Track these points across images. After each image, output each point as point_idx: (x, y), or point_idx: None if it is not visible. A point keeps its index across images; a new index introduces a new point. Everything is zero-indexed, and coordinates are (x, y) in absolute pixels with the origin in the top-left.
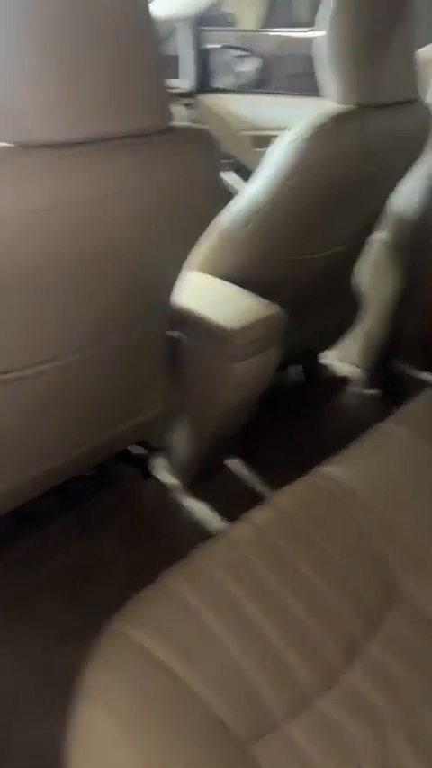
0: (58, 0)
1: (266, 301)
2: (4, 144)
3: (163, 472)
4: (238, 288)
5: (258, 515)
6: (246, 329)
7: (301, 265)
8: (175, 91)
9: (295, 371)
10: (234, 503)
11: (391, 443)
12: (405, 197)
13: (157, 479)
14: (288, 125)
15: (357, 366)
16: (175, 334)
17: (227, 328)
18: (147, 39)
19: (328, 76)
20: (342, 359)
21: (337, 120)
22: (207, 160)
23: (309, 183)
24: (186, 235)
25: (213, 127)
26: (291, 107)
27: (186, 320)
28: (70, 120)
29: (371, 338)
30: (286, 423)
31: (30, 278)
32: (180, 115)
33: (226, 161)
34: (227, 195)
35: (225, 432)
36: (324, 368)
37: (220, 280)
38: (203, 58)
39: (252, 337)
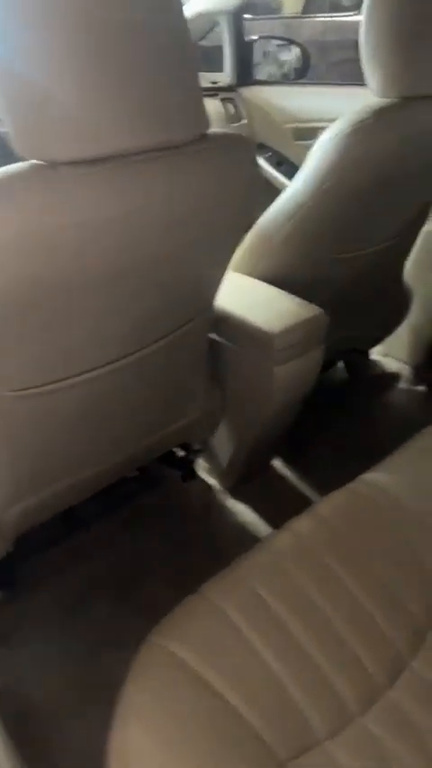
0: (82, 12)
1: (308, 303)
2: (32, 161)
3: (205, 474)
4: (277, 289)
5: (300, 525)
6: (287, 332)
7: (345, 264)
8: (214, 85)
9: (339, 368)
10: (277, 505)
11: None
12: None
13: (199, 481)
14: (331, 116)
15: (404, 362)
16: (214, 336)
17: (267, 331)
18: (178, 45)
19: (368, 68)
20: (388, 355)
21: (378, 116)
22: (243, 167)
23: (349, 181)
24: (225, 240)
25: (254, 120)
26: (334, 98)
27: (225, 322)
28: (98, 135)
29: (418, 333)
30: (331, 422)
31: (59, 293)
32: (216, 110)
33: (267, 154)
34: (267, 191)
35: (268, 434)
36: (369, 364)
37: (259, 281)
38: (245, 50)
39: (293, 340)
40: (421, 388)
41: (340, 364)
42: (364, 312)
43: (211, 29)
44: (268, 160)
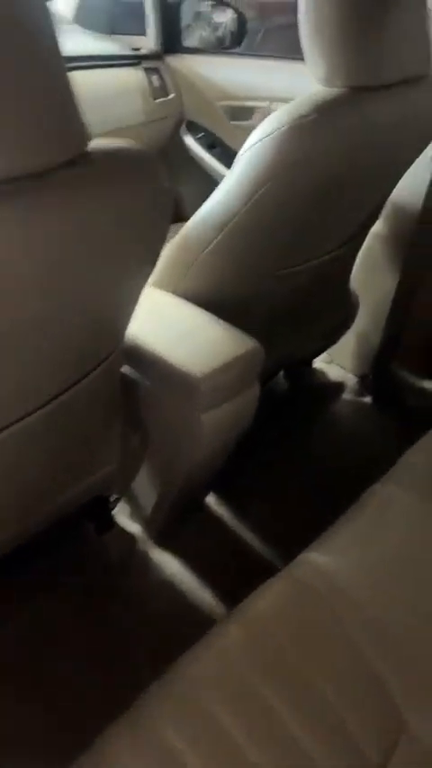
0: None
1: (241, 332)
2: None
3: (127, 521)
4: (204, 313)
5: (226, 636)
6: (215, 374)
7: (285, 279)
8: (136, 52)
9: (279, 377)
10: (210, 552)
11: (392, 515)
12: (406, 183)
13: (119, 529)
14: (271, 95)
15: (348, 371)
16: (129, 370)
17: (191, 374)
18: (38, 32)
19: (309, 52)
20: (331, 362)
21: (322, 110)
22: (141, 190)
23: (289, 186)
24: (133, 271)
25: (183, 94)
26: (275, 73)
27: (140, 355)
28: None
29: (364, 342)
30: (270, 442)
31: None
32: (138, 82)
33: (199, 135)
34: (199, 177)
35: (197, 479)
36: (311, 374)
37: (183, 300)
38: (171, 11)
39: (223, 382)
40: (367, 399)
41: (280, 373)
42: (308, 324)
43: None
44: (200, 142)
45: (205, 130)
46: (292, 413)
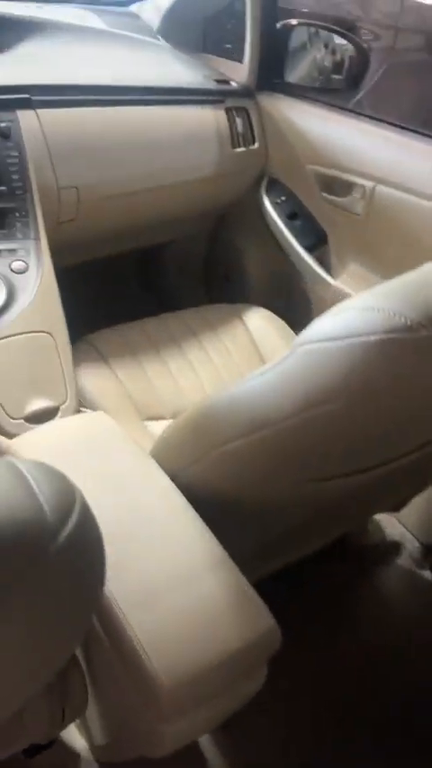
0: None
1: (254, 598)
2: None
3: (71, 727)
4: (206, 536)
5: None
6: (194, 681)
7: (346, 484)
8: (222, 86)
9: None
10: None
11: None
12: None
13: (60, 744)
14: (383, 175)
15: (411, 532)
16: None
17: (154, 679)
18: None
19: None
20: (391, 514)
21: None
22: None
23: (369, 407)
24: None
25: (270, 146)
26: (398, 149)
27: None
28: None
29: None
30: (295, 633)
31: None
32: (217, 124)
33: (279, 199)
34: (269, 246)
35: None
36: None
37: (181, 503)
38: (276, 38)
39: (206, 690)
40: (427, 574)
41: None
42: (369, 506)
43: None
44: (279, 208)
45: (288, 195)
46: (327, 581)
